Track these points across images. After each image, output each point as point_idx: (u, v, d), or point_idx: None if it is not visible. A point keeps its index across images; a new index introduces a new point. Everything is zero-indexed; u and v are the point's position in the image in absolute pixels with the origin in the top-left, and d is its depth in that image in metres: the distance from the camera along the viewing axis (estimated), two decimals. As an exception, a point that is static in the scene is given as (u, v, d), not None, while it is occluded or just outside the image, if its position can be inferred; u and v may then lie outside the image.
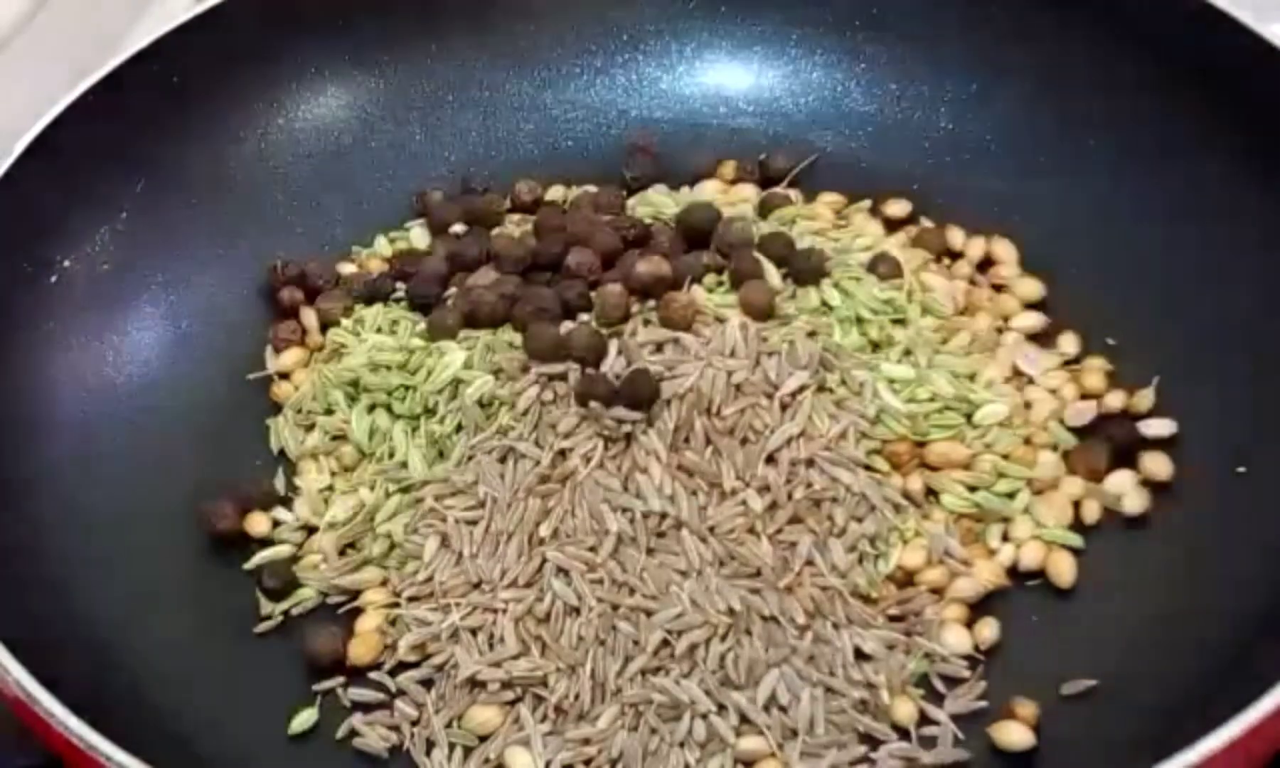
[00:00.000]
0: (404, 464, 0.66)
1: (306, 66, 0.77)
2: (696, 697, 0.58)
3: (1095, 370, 0.68)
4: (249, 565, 0.65)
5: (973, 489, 0.64)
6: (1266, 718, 0.52)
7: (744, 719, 0.58)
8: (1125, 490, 0.64)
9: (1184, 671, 0.59)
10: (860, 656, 0.60)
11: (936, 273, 0.71)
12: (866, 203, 0.75)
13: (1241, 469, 0.64)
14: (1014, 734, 0.58)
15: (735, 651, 0.59)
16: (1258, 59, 0.69)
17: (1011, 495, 0.64)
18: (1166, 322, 0.69)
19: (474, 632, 0.61)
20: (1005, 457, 0.65)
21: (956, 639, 0.60)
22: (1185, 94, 0.71)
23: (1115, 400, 0.67)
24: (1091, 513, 0.64)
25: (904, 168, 0.76)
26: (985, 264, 0.72)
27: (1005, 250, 0.72)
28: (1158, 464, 0.65)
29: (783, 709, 0.58)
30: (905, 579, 0.62)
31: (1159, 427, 0.66)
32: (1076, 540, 0.63)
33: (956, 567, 0.62)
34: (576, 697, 0.59)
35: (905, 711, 0.59)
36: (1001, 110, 0.76)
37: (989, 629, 0.61)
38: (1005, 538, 0.63)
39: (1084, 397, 0.67)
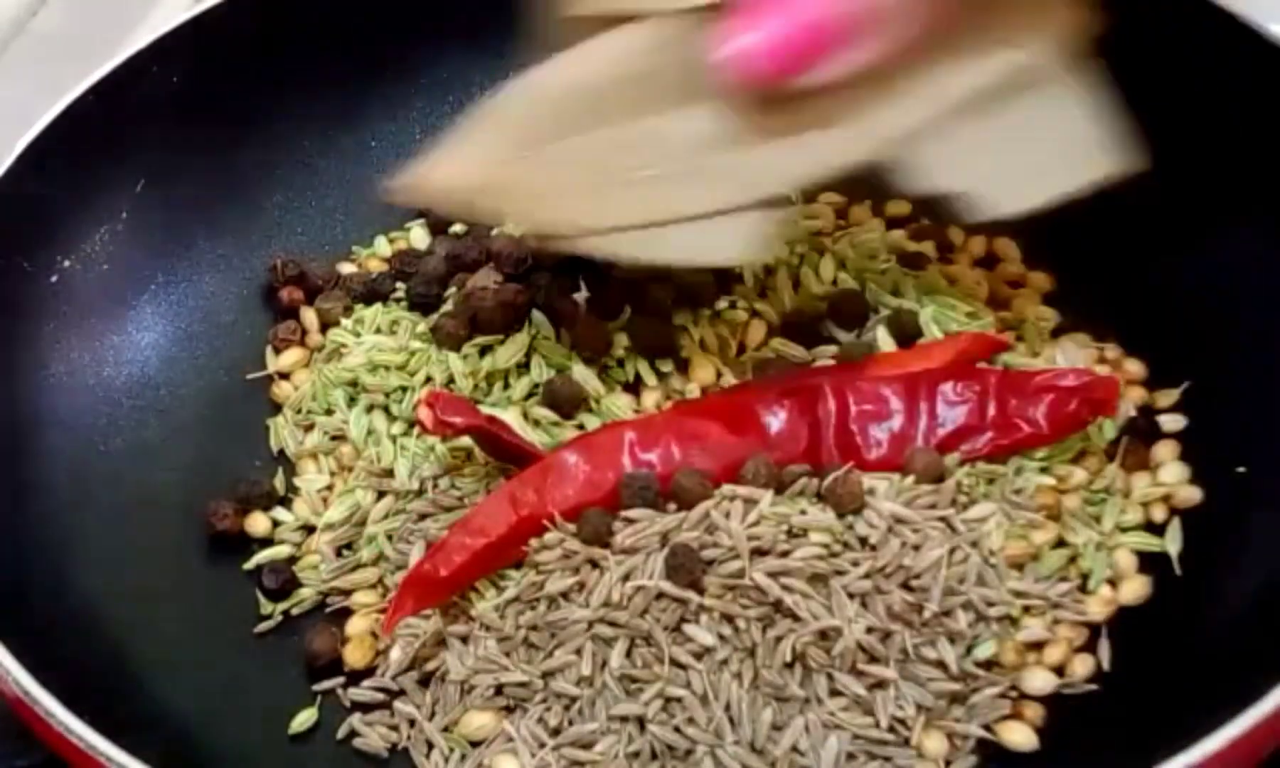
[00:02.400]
0: (389, 472, 0.65)
1: (306, 67, 0.77)
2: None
3: (1128, 369, 0.68)
4: (249, 566, 0.65)
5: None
6: (1266, 718, 0.52)
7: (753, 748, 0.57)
8: (1179, 482, 0.64)
9: (1184, 671, 0.59)
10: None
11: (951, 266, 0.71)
12: (867, 203, 0.74)
13: (1241, 469, 0.64)
14: (1018, 735, 0.58)
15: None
16: (1258, 59, 0.69)
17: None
18: (1165, 322, 0.68)
19: (463, 639, 0.61)
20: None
21: (1022, 738, 0.58)
22: (1184, 95, 0.71)
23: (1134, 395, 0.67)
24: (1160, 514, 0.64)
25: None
26: (988, 263, 0.72)
27: (1008, 248, 0.72)
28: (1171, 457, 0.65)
29: (800, 752, 0.57)
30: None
31: (1172, 421, 0.66)
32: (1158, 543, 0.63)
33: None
34: (567, 705, 0.58)
35: (935, 745, 0.57)
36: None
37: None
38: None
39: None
